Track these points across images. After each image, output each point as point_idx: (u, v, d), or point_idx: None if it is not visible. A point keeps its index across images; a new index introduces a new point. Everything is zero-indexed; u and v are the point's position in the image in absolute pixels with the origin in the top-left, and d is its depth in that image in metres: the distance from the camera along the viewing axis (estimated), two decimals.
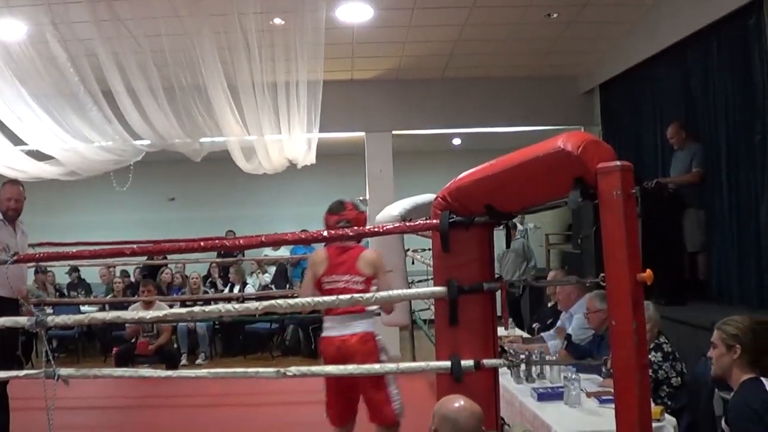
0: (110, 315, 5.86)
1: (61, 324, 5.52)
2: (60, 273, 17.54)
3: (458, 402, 4.04)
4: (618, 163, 3.72)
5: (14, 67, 9.99)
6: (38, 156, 12.30)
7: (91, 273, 18.03)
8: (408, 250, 10.54)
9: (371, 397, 6.43)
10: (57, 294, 17.19)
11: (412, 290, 5.32)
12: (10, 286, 7.26)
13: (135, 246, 6.20)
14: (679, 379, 6.61)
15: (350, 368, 5.23)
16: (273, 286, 16.99)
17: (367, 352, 6.27)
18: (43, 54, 9.92)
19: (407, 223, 5.74)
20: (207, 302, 14.67)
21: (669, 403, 6.42)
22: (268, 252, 17.92)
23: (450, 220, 4.58)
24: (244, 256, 16.26)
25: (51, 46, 9.63)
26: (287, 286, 16.97)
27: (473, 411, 4.00)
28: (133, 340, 12.46)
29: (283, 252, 18.01)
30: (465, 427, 3.90)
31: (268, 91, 10.97)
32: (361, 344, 6.29)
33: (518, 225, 15.84)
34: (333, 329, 6.32)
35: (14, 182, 8.76)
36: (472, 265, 4.63)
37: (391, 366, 5.21)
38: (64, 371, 5.29)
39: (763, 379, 4.79)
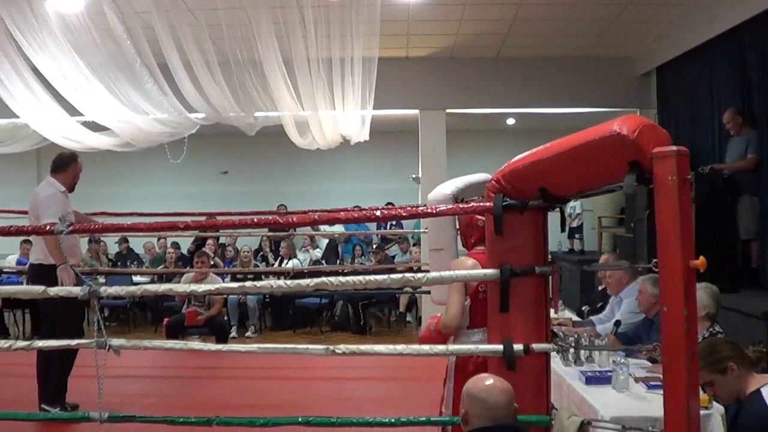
0: (162, 287, 5.88)
1: (113, 295, 5.57)
2: (112, 243, 17.70)
3: (487, 381, 4.01)
4: (674, 148, 3.69)
5: (72, 38, 10.06)
6: (94, 127, 12.41)
7: (139, 243, 18.22)
8: (459, 229, 10.53)
9: None
10: (110, 264, 17.35)
11: (463, 271, 5.27)
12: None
13: (189, 220, 6.24)
14: None
15: (399, 348, 5.22)
16: (324, 262, 17.03)
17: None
18: (101, 26, 9.98)
19: (461, 205, 5.68)
20: (258, 276, 14.78)
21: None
22: (320, 227, 17.96)
23: (504, 204, 4.56)
24: (295, 230, 16.30)
25: (108, 18, 9.69)
26: (338, 261, 17.02)
27: (503, 388, 3.96)
28: (183, 308, 12.53)
29: (335, 227, 18.05)
30: (495, 404, 3.86)
31: (323, 67, 10.98)
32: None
33: None
34: (483, 342, 5.35)
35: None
36: (525, 248, 4.61)
37: (440, 348, 5.21)
38: (115, 341, 5.34)
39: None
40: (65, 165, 8.43)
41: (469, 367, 5.41)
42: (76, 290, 5.37)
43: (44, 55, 10.20)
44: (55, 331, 7.39)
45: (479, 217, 5.62)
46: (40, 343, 5.75)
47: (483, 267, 5.33)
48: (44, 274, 7.55)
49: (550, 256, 4.79)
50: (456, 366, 5.63)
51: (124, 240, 17.78)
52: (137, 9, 9.81)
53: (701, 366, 4.54)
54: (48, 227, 5.74)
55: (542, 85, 14.91)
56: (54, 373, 7.88)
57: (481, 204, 4.84)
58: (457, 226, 6.48)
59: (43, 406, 7.83)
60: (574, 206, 16.08)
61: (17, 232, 5.98)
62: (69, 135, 12.42)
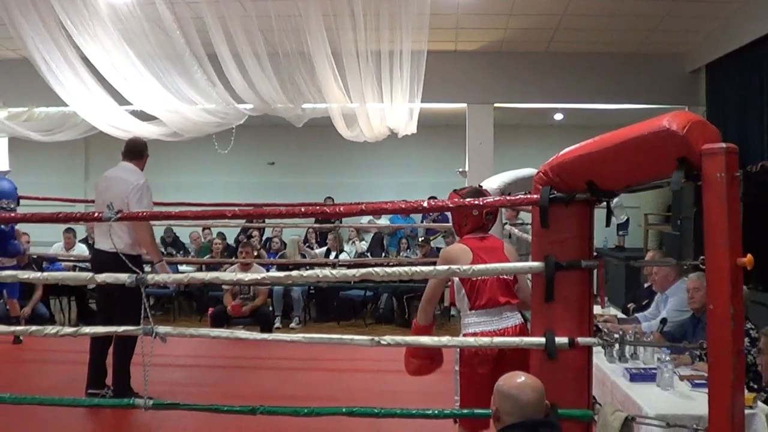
0: (209, 276, 5.92)
1: (160, 282, 5.61)
2: (159, 232, 17.83)
3: (519, 378, 4.04)
4: (723, 145, 3.66)
5: (121, 27, 10.12)
6: (142, 116, 12.49)
7: (185, 234, 18.33)
8: (506, 223, 10.51)
9: None
10: None
11: (508, 264, 5.28)
12: (112, 241, 7.37)
13: (236, 209, 6.28)
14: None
15: (443, 340, 5.24)
16: (369, 254, 17.05)
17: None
18: (150, 16, 10.03)
19: (507, 197, 5.68)
20: (303, 268, 14.81)
21: (754, 386, 6.36)
22: (366, 220, 17.99)
23: (551, 196, 4.56)
24: (341, 223, 16.33)
25: (158, 8, 9.73)
26: (383, 254, 17.02)
27: (534, 386, 4.00)
28: (225, 300, 12.62)
29: (382, 221, 18.08)
30: (525, 402, 3.90)
31: (371, 59, 10.99)
32: (521, 335, 5.55)
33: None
34: (487, 323, 5.67)
35: None
36: (571, 241, 4.61)
37: (485, 340, 5.21)
38: (161, 329, 5.39)
39: None
40: (141, 151, 8.51)
41: (469, 354, 5.61)
42: (124, 277, 5.42)
43: (94, 45, 10.26)
44: (113, 320, 7.41)
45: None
46: (87, 330, 5.79)
47: (474, 251, 5.64)
48: (119, 263, 7.55)
49: (595, 252, 4.78)
50: (459, 354, 5.74)
51: (170, 229, 17.86)
52: None
53: None
54: (96, 214, 5.77)
55: (590, 81, 14.86)
56: (116, 362, 7.92)
57: (528, 196, 4.84)
58: (504, 222, 6.50)
59: (89, 391, 7.89)
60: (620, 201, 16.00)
61: (66, 218, 6.04)
62: (117, 124, 12.51)
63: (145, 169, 8.46)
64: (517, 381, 4.01)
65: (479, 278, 5.61)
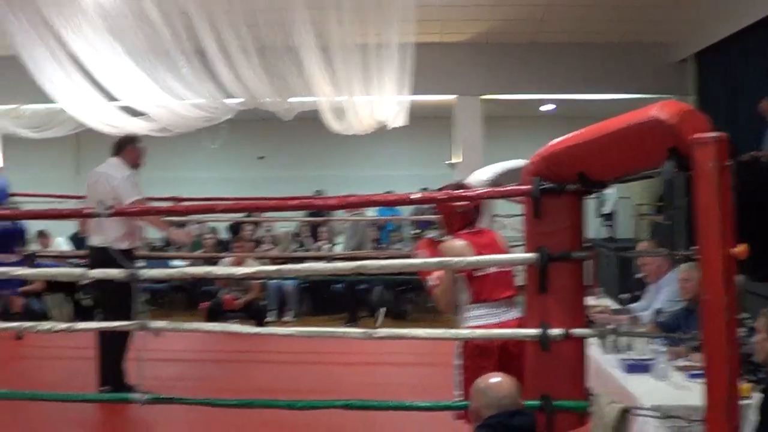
0: (202, 270, 5.93)
1: (153, 277, 5.61)
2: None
3: (494, 377, 4.16)
4: (714, 134, 3.67)
5: (108, 24, 10.12)
6: (131, 112, 12.49)
7: None
8: (496, 215, 10.51)
9: None
10: (148, 248, 17.44)
11: (501, 256, 5.29)
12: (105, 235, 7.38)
13: (227, 203, 6.29)
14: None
15: (438, 332, 5.25)
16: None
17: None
18: (137, 11, 10.03)
19: (498, 189, 5.68)
20: (296, 260, 14.81)
21: (753, 378, 6.36)
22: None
23: (541, 187, 4.57)
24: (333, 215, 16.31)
25: (144, 4, 9.74)
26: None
27: (509, 382, 4.12)
28: (219, 294, 12.65)
29: (371, 214, 18.07)
30: (502, 394, 4.01)
31: (358, 52, 11.00)
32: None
33: None
34: (489, 316, 5.61)
35: None
36: (562, 232, 4.61)
37: (479, 332, 5.22)
38: (155, 324, 5.39)
39: None
40: (121, 145, 8.49)
41: (473, 347, 5.52)
42: (116, 272, 5.42)
43: (81, 41, 10.26)
44: (108, 315, 7.42)
45: (458, 203, 5.75)
46: (82, 326, 5.78)
47: (473, 245, 5.53)
48: (108, 258, 7.55)
49: (587, 243, 4.79)
50: (463, 347, 5.64)
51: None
52: None
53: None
54: (86, 211, 5.78)
55: (578, 71, 14.87)
56: (109, 357, 7.92)
57: (519, 187, 4.84)
58: (494, 213, 6.47)
59: (101, 389, 7.89)
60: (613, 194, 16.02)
61: (57, 215, 6.04)
62: (106, 120, 12.52)
63: (100, 162, 8.48)
64: (492, 379, 4.13)
65: (485, 274, 5.58)
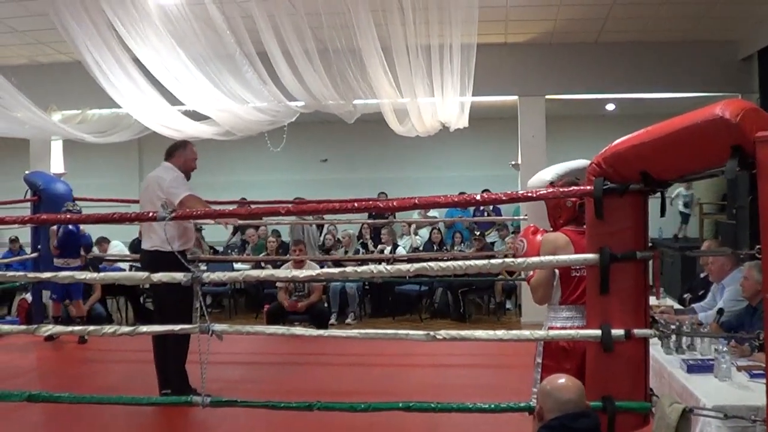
0: (264, 273, 5.95)
1: (216, 281, 5.65)
2: (212, 231, 17.89)
3: (560, 380, 4.10)
4: None
5: (171, 28, 10.19)
6: (194, 116, 12.58)
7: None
8: (547, 211, 10.47)
9: None
10: (211, 252, 17.56)
11: (563, 256, 5.25)
12: (167, 239, 7.42)
13: (290, 205, 6.31)
14: None
15: (499, 333, 5.23)
16: (421, 248, 17.03)
17: None
18: (200, 16, 10.09)
19: (561, 189, 5.64)
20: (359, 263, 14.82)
21: None
22: (417, 215, 17.95)
23: (604, 187, 4.54)
24: (395, 218, 16.30)
25: (208, 8, 9.79)
26: (435, 248, 16.98)
27: (575, 385, 4.07)
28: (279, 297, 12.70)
29: (434, 215, 18.07)
30: (567, 399, 3.96)
31: (421, 54, 10.99)
32: None
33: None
34: (575, 319, 5.51)
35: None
36: (625, 232, 4.59)
37: (540, 333, 5.20)
38: (217, 327, 5.43)
39: None
40: (171, 151, 8.55)
41: (557, 348, 5.48)
42: (179, 276, 5.46)
43: (145, 46, 10.34)
44: (164, 318, 7.46)
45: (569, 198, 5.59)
46: (144, 329, 5.83)
47: (574, 244, 5.40)
48: (160, 261, 7.58)
49: (650, 242, 4.75)
50: (544, 347, 5.60)
51: (237, 230, 17.96)
52: None
53: None
54: (150, 214, 5.81)
55: (642, 70, 14.73)
56: (170, 361, 7.98)
57: (582, 187, 4.82)
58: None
59: (162, 392, 7.94)
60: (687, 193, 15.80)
61: (120, 219, 6.09)
62: (170, 124, 12.61)
63: (199, 167, 8.55)
64: (559, 381, 4.08)
65: (578, 275, 5.47)
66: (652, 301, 5.84)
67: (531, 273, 5.69)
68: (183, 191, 8.01)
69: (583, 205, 5.44)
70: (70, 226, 10.92)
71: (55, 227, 11.00)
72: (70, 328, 6.41)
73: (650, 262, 4.68)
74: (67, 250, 11.01)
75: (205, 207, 8.02)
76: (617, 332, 4.55)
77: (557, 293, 5.64)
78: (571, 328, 5.42)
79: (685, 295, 9.29)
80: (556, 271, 5.54)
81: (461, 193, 10.66)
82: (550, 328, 5.62)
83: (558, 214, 5.87)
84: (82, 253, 11.41)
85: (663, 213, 4.88)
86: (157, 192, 8.00)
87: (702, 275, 9.93)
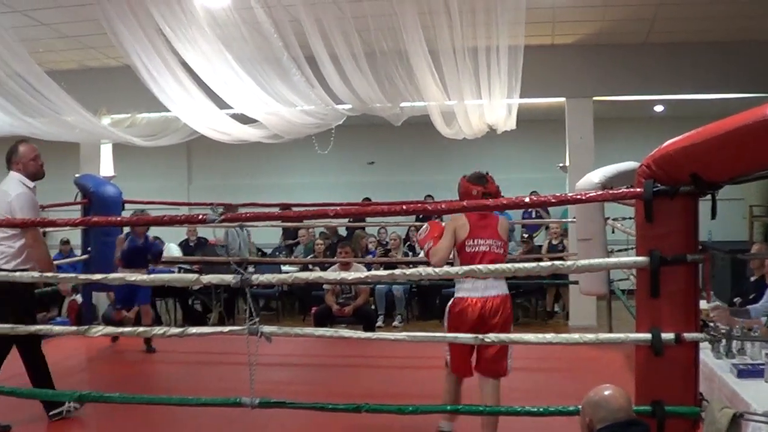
0: (312, 275, 5.96)
1: (264, 283, 5.67)
2: (259, 234, 17.95)
3: (607, 389, 4.11)
4: None
5: (219, 32, 10.26)
6: (242, 119, 12.64)
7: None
8: (608, 218, 10.40)
9: (495, 351, 6.61)
10: (258, 254, 17.63)
11: (612, 259, 5.24)
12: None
13: (338, 208, 6.31)
14: None
15: (548, 337, 5.21)
16: None
17: (508, 313, 6.72)
18: (248, 20, 10.14)
19: (610, 191, 5.62)
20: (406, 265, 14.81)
21: None
22: None
23: (654, 189, 4.51)
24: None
25: (255, 12, 9.83)
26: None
27: (623, 394, 4.10)
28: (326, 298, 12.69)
29: None
30: (618, 407, 4.00)
31: (468, 56, 10.98)
32: (503, 305, 6.64)
33: None
34: (475, 290, 6.56)
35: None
36: (675, 235, 4.55)
37: (590, 336, 5.17)
38: (266, 329, 5.45)
39: None
40: (9, 158, 7.67)
41: (455, 313, 6.68)
42: (228, 278, 5.48)
43: (193, 50, 10.41)
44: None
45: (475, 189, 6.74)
46: (193, 330, 5.86)
47: (470, 224, 6.66)
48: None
49: (700, 245, 4.72)
50: (449, 311, 6.78)
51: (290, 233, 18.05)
52: (284, 2, 9.94)
53: None
54: (201, 216, 5.81)
55: (691, 71, 14.61)
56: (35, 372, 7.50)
57: (631, 190, 4.79)
58: (606, 216, 6.47)
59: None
60: None
61: (171, 221, 6.12)
62: (218, 127, 12.69)
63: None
64: (606, 392, 4.09)
65: (474, 251, 6.60)
66: (702, 304, 5.80)
67: (432, 243, 6.71)
68: (28, 215, 7.25)
69: (487, 194, 6.68)
70: (138, 242, 10.78)
71: (122, 236, 11.00)
72: (120, 330, 6.48)
73: (700, 265, 4.65)
74: (133, 262, 10.78)
75: (41, 250, 7.34)
76: (667, 336, 4.51)
77: (456, 265, 6.58)
78: (470, 299, 6.55)
79: (735, 299, 9.21)
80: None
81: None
82: (456, 297, 6.70)
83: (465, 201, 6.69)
84: (150, 259, 11.22)
85: (714, 215, 4.84)
86: (4, 207, 7.36)
87: (752, 278, 9.86)
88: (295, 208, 12.23)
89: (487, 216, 6.75)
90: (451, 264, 6.73)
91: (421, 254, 15.64)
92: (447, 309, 6.84)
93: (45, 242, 7.37)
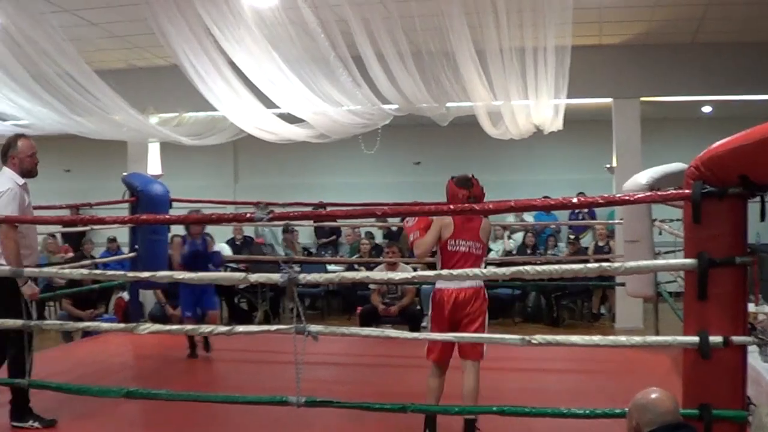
0: (359, 275, 5.98)
1: (311, 282, 5.69)
2: (306, 233, 18.02)
3: (654, 392, 4.09)
4: None
5: (266, 32, 10.29)
6: (289, 119, 12.68)
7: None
8: (656, 220, 10.34)
9: (474, 331, 6.87)
10: (305, 253, 17.69)
11: (660, 261, 5.22)
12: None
13: (386, 207, 6.34)
14: None
15: (595, 339, 5.19)
16: (514, 252, 16.96)
17: (480, 302, 6.93)
18: (295, 20, 10.17)
19: (658, 193, 5.60)
20: None
21: None
22: (512, 218, 17.88)
23: (703, 191, 4.48)
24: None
25: (302, 12, 9.85)
26: (527, 252, 16.90)
27: (670, 396, 4.07)
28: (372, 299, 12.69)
29: (529, 219, 18.01)
30: (665, 410, 3.97)
31: (515, 56, 10.96)
32: (476, 295, 6.85)
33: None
34: (451, 282, 6.81)
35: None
36: (724, 237, 4.53)
37: (637, 339, 5.15)
38: (313, 328, 5.48)
39: None
40: (4, 153, 7.52)
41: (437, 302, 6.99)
42: (276, 277, 5.50)
43: (241, 50, 10.46)
44: None
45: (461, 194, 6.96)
46: (240, 329, 5.90)
47: (454, 225, 6.84)
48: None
49: (749, 247, 4.69)
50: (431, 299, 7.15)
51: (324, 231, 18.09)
52: (331, 2, 9.95)
53: None
54: (249, 215, 5.83)
55: (740, 71, 14.48)
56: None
57: (680, 191, 4.76)
58: (654, 218, 6.45)
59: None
60: None
61: (218, 219, 6.16)
62: (265, 127, 12.75)
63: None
64: (653, 395, 4.07)
65: (455, 251, 6.87)
66: (750, 307, 5.75)
67: (418, 234, 6.96)
68: (5, 211, 7.12)
69: (473, 198, 6.92)
70: (198, 245, 10.60)
71: (179, 239, 11.00)
72: (168, 327, 6.51)
73: (749, 268, 4.61)
74: (194, 267, 10.47)
75: (11, 247, 7.06)
76: (715, 339, 4.48)
77: (439, 262, 7.02)
78: (447, 290, 6.83)
79: None
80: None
81: (545, 197, 10.61)
82: (435, 288, 7.01)
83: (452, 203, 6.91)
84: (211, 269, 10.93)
85: (763, 218, 4.80)
86: None
87: None
88: (340, 208, 12.26)
89: (472, 219, 6.95)
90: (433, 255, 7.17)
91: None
92: (430, 299, 7.22)
93: (17, 240, 7.18)
